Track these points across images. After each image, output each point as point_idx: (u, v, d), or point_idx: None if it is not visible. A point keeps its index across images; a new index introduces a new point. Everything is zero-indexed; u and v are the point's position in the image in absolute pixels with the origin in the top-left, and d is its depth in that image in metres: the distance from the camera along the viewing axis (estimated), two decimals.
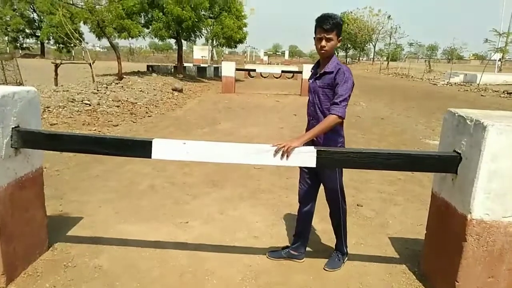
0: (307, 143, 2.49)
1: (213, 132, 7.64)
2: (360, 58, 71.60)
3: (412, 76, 31.58)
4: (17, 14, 36.66)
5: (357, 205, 4.17)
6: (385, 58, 51.07)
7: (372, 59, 63.82)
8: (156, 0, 18.12)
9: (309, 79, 2.81)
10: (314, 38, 2.61)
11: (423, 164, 2.39)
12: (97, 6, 15.93)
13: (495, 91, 18.42)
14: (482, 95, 17.47)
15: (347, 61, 66.81)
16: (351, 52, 71.09)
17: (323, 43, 2.54)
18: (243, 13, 21.60)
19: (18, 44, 41.57)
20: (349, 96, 2.53)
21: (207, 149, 2.42)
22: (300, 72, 15.86)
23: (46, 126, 7.07)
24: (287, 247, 3.02)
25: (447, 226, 2.47)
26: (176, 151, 2.43)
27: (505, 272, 2.29)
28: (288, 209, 3.92)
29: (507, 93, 17.31)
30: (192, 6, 17.43)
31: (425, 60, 43.75)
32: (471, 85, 22.25)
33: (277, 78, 24.51)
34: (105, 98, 9.79)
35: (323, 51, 2.57)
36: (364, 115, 10.57)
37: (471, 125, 2.25)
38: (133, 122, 8.27)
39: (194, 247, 3.12)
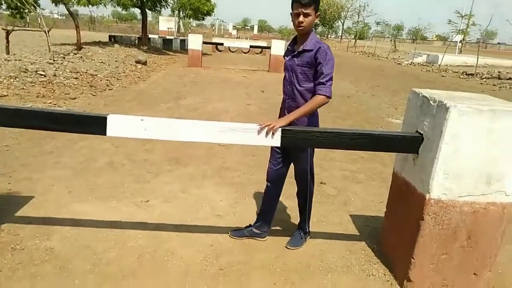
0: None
1: (177, 107, 7.42)
2: (329, 36, 71.74)
3: (378, 55, 32.11)
4: None
5: (320, 183, 4.19)
6: (352, 36, 51.48)
7: (340, 37, 64.15)
8: None
9: (284, 56, 2.69)
10: (290, 14, 2.49)
11: (386, 144, 2.39)
12: None
13: (455, 72, 19.07)
14: (442, 76, 18.04)
15: None
16: (319, 29, 71.01)
17: (301, 18, 2.42)
18: None
19: None
20: (333, 72, 2.45)
21: (166, 127, 2.29)
22: (269, 48, 15.63)
23: None
24: (250, 225, 2.98)
25: (406, 205, 2.51)
26: (133, 128, 2.28)
27: (458, 249, 2.36)
28: (253, 187, 3.88)
29: (466, 74, 17.98)
30: None
31: (391, 40, 44.50)
32: (433, 65, 22.92)
33: (245, 53, 24.11)
34: (62, 69, 9.23)
35: (300, 27, 2.45)
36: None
37: (434, 106, 2.25)
38: (93, 95, 7.87)
39: (154, 227, 3.02)
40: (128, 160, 4.42)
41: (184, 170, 4.27)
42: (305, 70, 2.50)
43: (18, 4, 15.19)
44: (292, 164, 2.81)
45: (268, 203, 2.92)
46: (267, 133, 2.32)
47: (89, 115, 2.26)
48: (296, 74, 2.54)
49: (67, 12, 17.61)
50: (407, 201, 2.50)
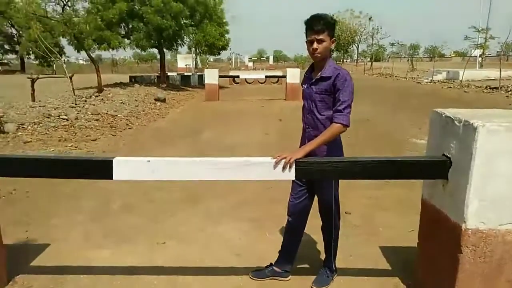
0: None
1: (196, 142, 7.40)
2: (344, 60, 72.12)
3: (396, 76, 31.79)
4: None
5: (345, 212, 3.96)
6: (368, 59, 51.52)
7: (356, 61, 64.33)
8: (135, 10, 17.87)
9: (302, 84, 2.60)
10: (306, 42, 2.42)
11: (410, 170, 2.20)
12: (74, 18, 15.64)
13: (478, 87, 18.54)
14: (465, 91, 17.55)
15: None
16: (334, 54, 71.64)
17: (315, 45, 2.35)
18: (224, 20, 21.46)
19: None
20: (352, 101, 2.35)
21: (175, 166, 2.19)
22: (284, 76, 15.72)
23: (20, 145, 6.76)
24: (271, 265, 2.79)
25: (440, 236, 2.28)
26: (141, 170, 2.20)
27: (504, 284, 2.10)
28: (273, 221, 3.68)
29: (490, 88, 17.44)
30: (172, 15, 17.21)
31: (408, 59, 44.18)
32: (454, 81, 22.42)
33: (262, 83, 24.37)
34: (83, 112, 9.48)
35: (315, 55, 2.38)
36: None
37: (459, 126, 2.07)
38: (113, 135, 7.98)
39: (171, 270, 2.88)
40: (144, 200, 4.33)
41: (201, 207, 4.14)
42: (324, 98, 2.41)
43: (44, 54, 16.01)
44: (316, 196, 2.65)
45: (289, 240, 2.74)
46: (284, 167, 2.19)
47: (94, 159, 2.19)
48: (315, 102, 2.45)
49: (93, 58, 18.41)
50: (440, 232, 2.28)
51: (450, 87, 19.82)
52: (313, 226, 3.05)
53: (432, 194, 2.38)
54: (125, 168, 2.19)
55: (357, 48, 60.61)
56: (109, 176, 2.17)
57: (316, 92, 2.43)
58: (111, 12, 16.43)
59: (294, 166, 2.18)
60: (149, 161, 2.18)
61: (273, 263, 2.77)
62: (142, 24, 17.86)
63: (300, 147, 2.52)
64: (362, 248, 3.21)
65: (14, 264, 2.84)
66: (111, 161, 2.17)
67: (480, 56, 31.72)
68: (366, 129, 8.75)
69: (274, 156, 2.22)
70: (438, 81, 24.10)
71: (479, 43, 24.40)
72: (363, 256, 3.09)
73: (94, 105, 10.31)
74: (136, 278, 2.77)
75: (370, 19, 53.08)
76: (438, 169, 2.18)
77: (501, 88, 16.88)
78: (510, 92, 15.96)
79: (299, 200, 2.63)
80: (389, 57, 58.67)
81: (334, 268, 2.75)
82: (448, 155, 2.16)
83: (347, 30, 55.38)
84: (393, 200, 4.30)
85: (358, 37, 56.07)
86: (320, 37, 2.33)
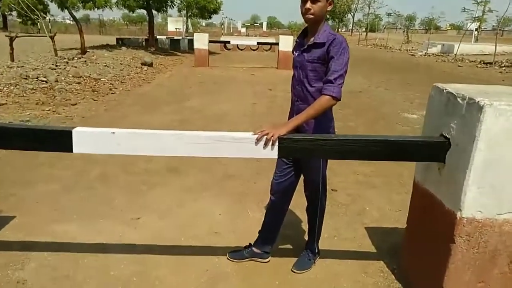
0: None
1: (181, 109, 7.09)
2: (339, 30, 70.64)
3: (390, 47, 31.27)
4: None
5: (332, 189, 3.80)
6: (363, 29, 50.49)
7: (350, 30, 63.09)
8: None
9: (293, 51, 2.30)
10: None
11: (405, 152, 1.99)
12: None
13: (472, 61, 18.29)
14: (459, 66, 17.30)
15: None
16: (330, 23, 70.09)
17: (308, 5, 2.05)
18: None
19: None
20: (346, 72, 2.06)
21: (143, 139, 1.95)
22: (277, 44, 15.21)
23: None
24: (250, 245, 2.63)
25: (432, 222, 2.11)
26: (105, 143, 1.95)
27: (497, 276, 1.96)
28: (256, 198, 3.50)
29: (484, 63, 17.21)
30: None
31: (403, 31, 43.34)
32: (448, 55, 22.10)
33: (254, 50, 23.71)
34: (64, 74, 9.02)
35: (309, 16, 2.08)
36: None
37: (463, 104, 1.84)
38: (94, 100, 7.61)
39: (142, 249, 2.69)
40: (124, 170, 4.10)
41: (183, 180, 3.93)
42: (316, 67, 2.12)
43: (24, 13, 15.15)
44: (302, 175, 2.44)
45: (271, 220, 2.55)
46: (265, 144, 1.96)
47: (51, 129, 1.93)
48: (306, 71, 2.16)
49: (80, 17, 17.51)
50: (432, 218, 2.11)
51: (444, 61, 19.53)
52: (298, 205, 2.89)
53: (426, 177, 2.19)
54: (86, 139, 1.94)
55: (353, 17, 59.32)
56: (68, 148, 1.93)
57: (308, 60, 2.14)
58: None
59: (277, 143, 1.95)
60: (113, 132, 1.93)
61: (252, 244, 2.61)
62: None
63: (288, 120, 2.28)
64: (347, 229, 3.07)
65: None
66: (70, 132, 1.91)
67: (476, 30, 31.21)
68: (357, 101, 8.53)
69: (255, 132, 1.98)
70: (433, 54, 23.75)
71: (476, 16, 23.87)
72: (348, 237, 2.95)
73: (76, 67, 9.81)
74: (105, 257, 2.58)
75: None
76: (434, 150, 1.98)
77: (495, 63, 16.66)
78: (503, 68, 15.76)
79: (284, 178, 2.42)
80: (384, 28, 57.67)
81: (316, 251, 2.60)
82: (447, 136, 1.96)
83: None
84: (382, 177, 4.15)
85: (354, 5, 54.64)
86: None
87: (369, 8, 50.15)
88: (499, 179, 1.80)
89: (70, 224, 2.98)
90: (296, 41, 2.30)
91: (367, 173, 4.29)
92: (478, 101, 1.73)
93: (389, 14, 49.86)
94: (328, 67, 2.06)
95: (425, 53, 24.39)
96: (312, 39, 2.14)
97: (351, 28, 64.69)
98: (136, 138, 1.94)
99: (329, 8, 2.13)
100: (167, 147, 1.95)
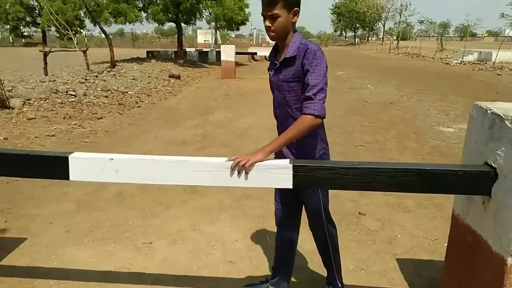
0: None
1: (205, 123, 6.98)
2: (369, 38, 69.54)
3: (423, 56, 30.32)
4: (17, 1, 35.86)
5: (359, 213, 3.51)
6: (394, 38, 49.39)
7: (381, 39, 61.93)
8: None
9: (268, 69, 2.07)
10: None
11: (442, 183, 1.71)
12: None
13: None
14: (498, 74, 16.42)
15: (356, 41, 64.99)
16: (360, 32, 69.05)
17: (267, 23, 1.83)
18: None
19: (19, 33, 40.98)
20: (326, 83, 1.80)
21: (142, 166, 1.77)
22: None
23: (23, 122, 6.51)
24: (266, 281, 2.39)
25: (476, 264, 1.80)
26: (102, 170, 1.79)
27: None
28: None
29: None
30: None
31: (437, 38, 41.97)
32: (486, 63, 21.09)
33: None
34: (93, 88, 9.18)
35: (271, 34, 1.86)
36: (372, 100, 9.79)
37: None
38: (120, 113, 7.65)
39: (152, 278, 2.52)
40: (141, 189, 3.97)
41: (200, 200, 3.75)
42: (294, 87, 1.88)
43: (63, 26, 15.73)
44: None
45: (282, 254, 2.31)
46: (239, 172, 1.71)
47: (46, 155, 1.79)
48: (283, 93, 1.93)
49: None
50: (476, 259, 1.80)
51: (482, 69, 18.62)
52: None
53: (467, 210, 1.89)
54: (83, 166, 1.79)
55: (383, 26, 58.24)
56: (65, 175, 1.78)
57: (283, 80, 1.90)
58: None
59: (291, 172, 1.72)
60: (112, 159, 1.76)
61: (269, 279, 2.37)
62: None
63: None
64: (376, 260, 2.76)
65: None
66: (67, 158, 1.76)
67: None
68: (388, 113, 8.15)
69: (229, 158, 1.74)
70: (469, 62, 22.75)
71: None
72: (376, 270, 2.65)
73: (104, 81, 9.99)
74: (113, 286, 2.42)
75: None
76: (477, 182, 1.68)
77: None
78: None
79: (285, 206, 2.20)
80: (416, 36, 56.21)
81: (339, 286, 2.32)
82: (493, 165, 1.66)
83: (373, 7, 53.08)
84: (416, 199, 3.80)
85: (385, 13, 53.67)
86: (274, 11, 1.79)
87: (400, 16, 49.17)
88: None
89: (80, 248, 2.85)
90: (269, 59, 2.05)
91: (399, 194, 3.94)
92: None
93: (421, 22, 48.62)
94: (305, 81, 1.81)
95: (461, 61, 23.41)
96: (282, 55, 1.91)
97: (382, 36, 63.49)
98: (136, 165, 1.77)
99: (295, 19, 1.87)
100: (170, 175, 1.77)
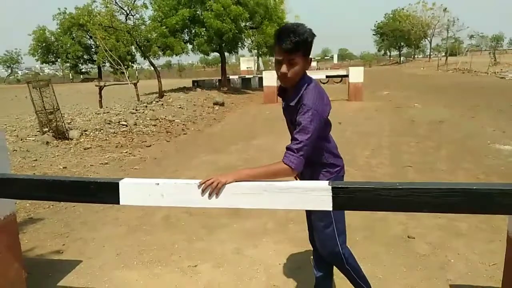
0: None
1: (247, 148, 7.10)
2: (415, 56, 67.72)
3: (475, 71, 28.93)
4: (75, 42, 39.42)
5: (408, 236, 3.36)
6: (443, 54, 47.74)
7: (428, 56, 60.09)
8: (197, 15, 18.19)
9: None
10: (274, 58, 1.91)
11: (492, 203, 1.62)
12: (142, 26, 16.33)
13: None
14: None
15: (401, 60, 63.56)
16: (405, 50, 67.54)
17: (284, 69, 1.81)
18: (285, 20, 21.05)
19: (78, 70, 44.69)
20: (312, 140, 1.79)
21: (185, 190, 1.85)
22: (347, 76, 14.91)
23: (80, 151, 6.99)
24: None
25: None
26: (150, 195, 1.89)
27: None
28: None
29: None
30: (232, 18, 17.22)
31: (489, 52, 40.01)
32: None
33: (324, 83, 23.52)
34: (142, 117, 9.70)
35: (285, 80, 1.85)
36: (419, 119, 9.46)
37: None
38: (167, 141, 8.00)
39: None
40: (186, 213, 4.09)
41: (243, 223, 3.79)
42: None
43: (115, 61, 16.90)
44: None
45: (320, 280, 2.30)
46: (210, 193, 1.73)
47: (99, 181, 1.93)
48: (291, 131, 1.98)
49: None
50: None
51: None
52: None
53: None
54: (132, 191, 1.90)
55: (430, 43, 56.62)
56: (116, 200, 1.90)
57: (289, 120, 2.00)
58: (174, 19, 16.87)
59: (331, 194, 1.71)
60: (158, 184, 1.86)
61: None
62: (203, 29, 18.11)
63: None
64: (428, 286, 2.62)
65: (41, 283, 2.73)
66: (118, 184, 1.89)
67: None
68: (440, 132, 7.82)
69: (202, 180, 1.75)
70: None
71: None
72: None
73: (153, 110, 10.53)
74: None
75: (445, 10, 49.23)
76: None
77: None
78: None
79: (311, 231, 2.26)
80: (467, 51, 53.95)
81: None
82: None
83: (418, 24, 51.95)
84: (470, 221, 3.58)
85: (431, 30, 52.28)
86: (292, 58, 1.79)
87: (447, 32, 47.63)
88: None
89: (129, 270, 2.97)
90: (278, 93, 2.06)
91: (451, 216, 3.73)
92: None
93: (471, 37, 46.81)
94: (295, 129, 1.82)
95: None
96: (288, 100, 1.93)
97: (428, 53, 61.65)
98: (179, 189, 1.85)
99: (307, 67, 1.88)
100: (212, 198, 1.82)
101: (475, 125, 8.44)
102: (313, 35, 1.84)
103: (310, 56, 1.91)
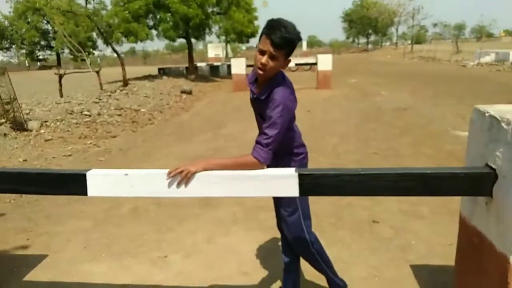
0: None
1: (216, 137, 7.09)
2: (383, 44, 69.16)
3: (438, 59, 29.99)
4: (31, 27, 36.82)
5: (373, 221, 3.50)
6: (409, 42, 49.08)
7: (395, 44, 61.60)
8: (162, 0, 17.67)
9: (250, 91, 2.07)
10: (256, 45, 1.92)
11: (444, 186, 1.73)
12: (102, 11, 15.74)
13: None
14: None
15: (368, 47, 64.77)
16: (372, 38, 68.77)
17: (264, 59, 1.80)
18: (252, 6, 20.89)
19: (35, 57, 42.02)
20: (281, 134, 1.84)
21: (155, 180, 1.85)
22: (315, 64, 15.05)
23: (40, 143, 6.74)
24: None
25: (483, 265, 1.80)
26: (118, 185, 1.88)
27: None
28: None
29: None
30: (198, 3, 16.87)
31: (452, 41, 41.46)
32: (503, 64, 20.74)
33: (293, 71, 23.69)
34: (106, 107, 9.44)
35: (260, 72, 1.84)
36: (385, 106, 9.74)
37: (508, 130, 1.57)
38: (133, 131, 7.83)
39: None
40: (155, 204, 4.06)
41: (214, 213, 3.81)
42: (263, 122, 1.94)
43: (73, 50, 16.24)
44: None
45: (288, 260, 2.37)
46: (179, 182, 1.75)
47: (66, 173, 1.89)
48: (258, 122, 2.05)
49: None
50: (483, 260, 1.80)
51: (500, 70, 18.31)
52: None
53: (472, 212, 1.90)
54: (100, 182, 1.88)
55: (396, 30, 57.97)
56: (83, 191, 1.87)
57: (257, 112, 2.04)
58: (137, 4, 16.33)
59: (297, 180, 1.76)
60: (126, 174, 1.85)
61: None
62: (169, 14, 17.65)
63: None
64: (390, 267, 2.76)
65: (6, 279, 2.66)
66: (85, 175, 1.86)
67: None
68: (402, 119, 8.09)
69: (171, 169, 1.77)
70: (486, 63, 22.40)
71: None
72: (390, 277, 2.65)
73: (117, 99, 10.26)
74: None
75: None
76: (478, 183, 1.70)
77: None
78: None
79: (278, 219, 2.32)
80: (431, 39, 55.69)
81: (341, 284, 2.32)
82: (493, 166, 1.68)
83: (385, 12, 52.94)
84: (430, 205, 3.77)
85: (397, 18, 53.46)
86: (277, 53, 1.79)
87: (413, 20, 48.90)
88: None
89: (98, 263, 2.94)
90: (249, 84, 2.04)
91: (413, 201, 3.91)
92: None
93: (435, 25, 48.28)
94: (264, 122, 1.87)
95: (477, 63, 23.09)
96: (258, 92, 1.94)
97: (395, 41, 63.14)
98: (149, 179, 1.85)
99: (284, 67, 1.91)
100: (183, 187, 1.83)
101: (437, 111, 8.80)
102: (300, 39, 1.87)
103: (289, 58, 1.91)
